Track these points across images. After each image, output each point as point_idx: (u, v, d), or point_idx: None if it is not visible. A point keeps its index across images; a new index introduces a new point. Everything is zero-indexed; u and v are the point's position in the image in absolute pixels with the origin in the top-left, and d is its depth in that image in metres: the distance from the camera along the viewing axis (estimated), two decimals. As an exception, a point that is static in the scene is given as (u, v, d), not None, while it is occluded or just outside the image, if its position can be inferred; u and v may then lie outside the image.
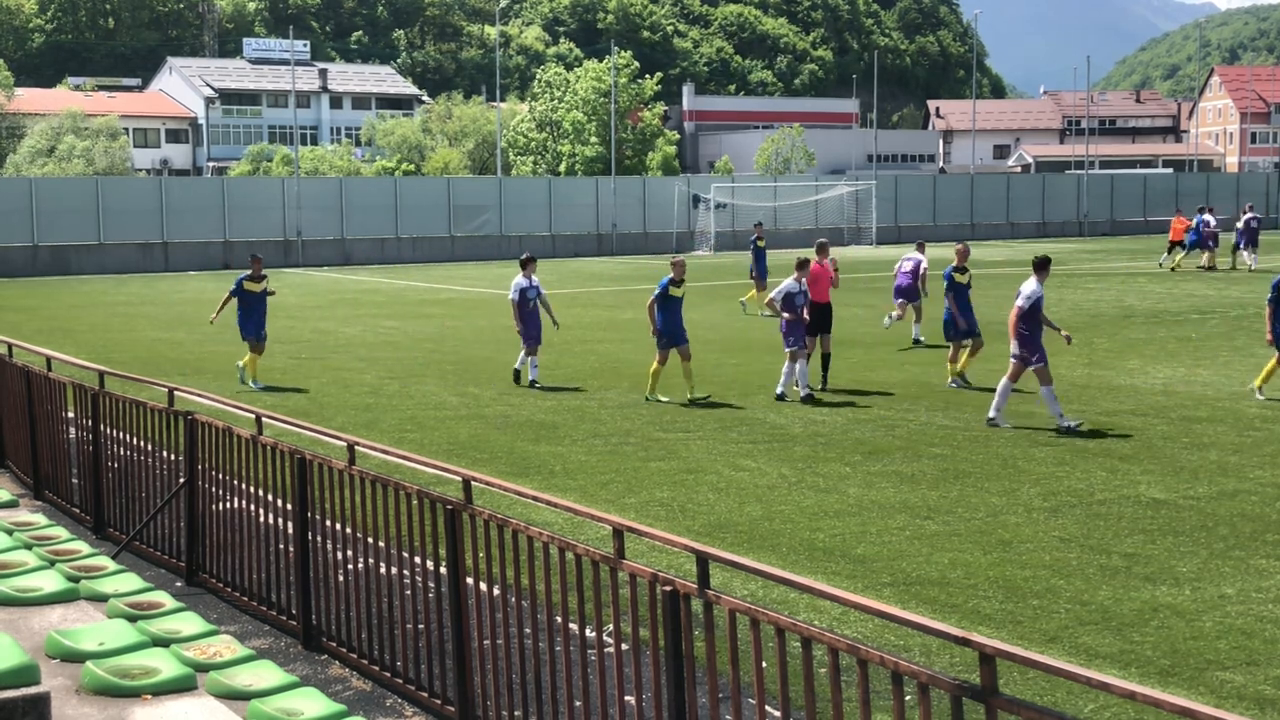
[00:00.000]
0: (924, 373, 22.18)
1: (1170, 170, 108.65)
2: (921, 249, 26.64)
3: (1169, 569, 10.66)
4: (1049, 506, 12.44)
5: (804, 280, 19.81)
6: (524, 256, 22.35)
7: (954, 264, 21.58)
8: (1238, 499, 12.96)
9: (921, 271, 25.60)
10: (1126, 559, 10.91)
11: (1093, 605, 9.81)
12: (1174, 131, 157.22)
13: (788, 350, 19.29)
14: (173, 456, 11.05)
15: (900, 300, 26.29)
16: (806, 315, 19.52)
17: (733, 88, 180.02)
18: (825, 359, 20.63)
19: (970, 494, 13.35)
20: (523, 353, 21.51)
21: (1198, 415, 17.62)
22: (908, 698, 5.03)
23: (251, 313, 21.93)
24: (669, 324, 19.45)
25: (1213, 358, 23.23)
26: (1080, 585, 10.28)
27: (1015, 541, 11.55)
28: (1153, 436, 16.21)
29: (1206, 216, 46.79)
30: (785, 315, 19.30)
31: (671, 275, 19.64)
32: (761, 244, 34.08)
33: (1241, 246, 46.42)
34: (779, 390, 19.50)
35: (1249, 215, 46.73)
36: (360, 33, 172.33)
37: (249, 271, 22.20)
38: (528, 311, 21.40)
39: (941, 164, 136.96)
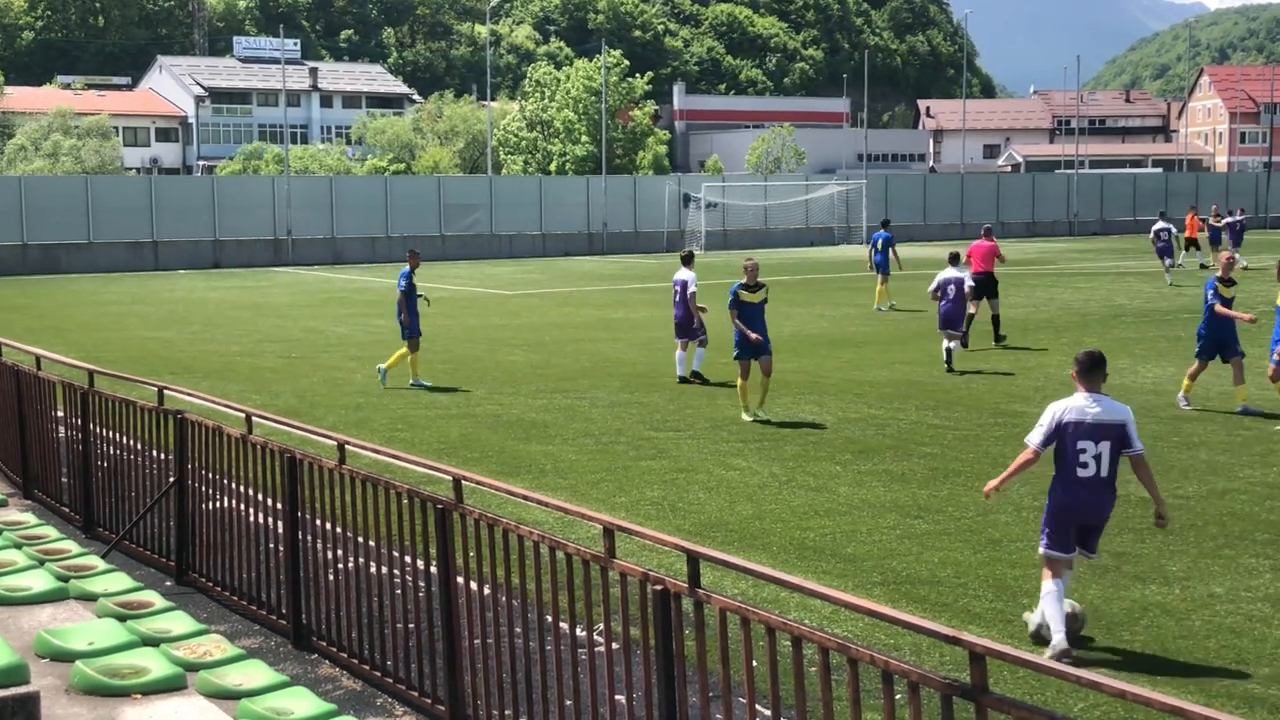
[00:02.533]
0: (914, 372, 22.20)
1: (1160, 170, 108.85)
2: (955, 261, 24.10)
3: (1158, 568, 10.68)
4: (1039, 505, 12.39)
5: (960, 268, 23.16)
6: (684, 252, 22.54)
7: (1217, 274, 19.18)
8: (1227, 498, 12.99)
9: (967, 289, 23.45)
10: (1116, 558, 10.93)
11: (1083, 604, 9.81)
12: (1164, 131, 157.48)
13: (941, 332, 22.72)
14: (162, 455, 11.03)
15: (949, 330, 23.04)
16: (968, 288, 22.79)
17: (723, 87, 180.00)
18: (995, 319, 25.78)
19: (960, 493, 13.37)
20: (679, 350, 21.55)
21: (1187, 415, 17.66)
22: (898, 696, 5.03)
23: (415, 310, 21.71)
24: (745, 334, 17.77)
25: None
26: (1070, 584, 10.29)
27: (1005, 540, 11.57)
28: (1143, 436, 16.18)
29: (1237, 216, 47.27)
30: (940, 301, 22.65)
31: (743, 279, 18.16)
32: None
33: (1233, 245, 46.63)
34: (949, 366, 22.21)
35: (1238, 217, 47.04)
36: (351, 31, 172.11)
37: (409, 268, 22.02)
38: (675, 303, 21.67)
39: (932, 163, 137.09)
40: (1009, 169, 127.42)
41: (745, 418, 17.69)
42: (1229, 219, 47.28)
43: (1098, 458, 9.04)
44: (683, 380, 21.21)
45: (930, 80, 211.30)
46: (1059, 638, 8.66)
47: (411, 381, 21.26)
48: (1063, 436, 9.12)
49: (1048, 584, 8.93)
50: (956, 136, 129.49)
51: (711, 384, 20.87)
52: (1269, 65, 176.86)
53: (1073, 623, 8.99)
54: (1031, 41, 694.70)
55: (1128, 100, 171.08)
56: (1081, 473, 9.05)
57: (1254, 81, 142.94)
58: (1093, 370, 9.27)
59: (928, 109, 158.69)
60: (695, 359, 21.51)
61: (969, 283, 23.48)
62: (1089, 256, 57.67)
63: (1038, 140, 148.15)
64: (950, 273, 23.34)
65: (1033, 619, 9.18)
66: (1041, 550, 9.22)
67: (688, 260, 21.96)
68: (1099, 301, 35.04)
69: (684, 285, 21.40)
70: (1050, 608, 8.81)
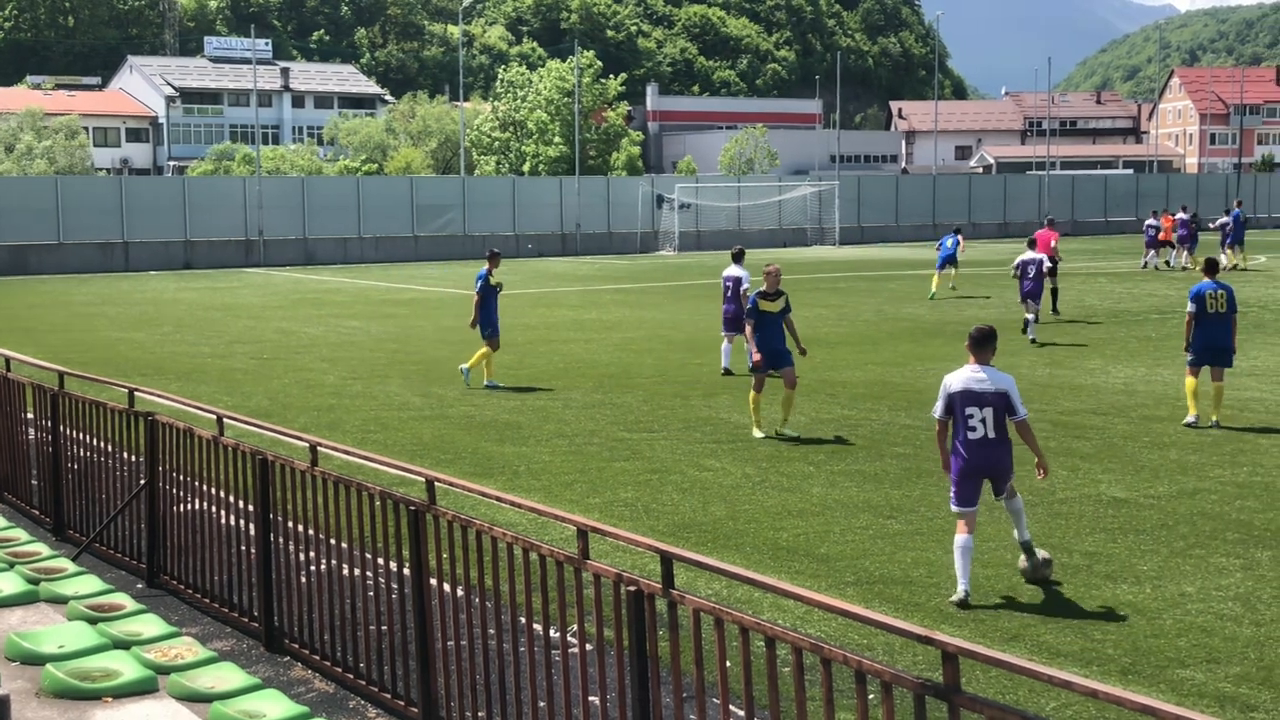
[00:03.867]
0: (886, 373, 22.26)
1: (1130, 171, 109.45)
2: (1033, 246, 27.96)
3: (1130, 567, 10.73)
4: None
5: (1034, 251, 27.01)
6: (736, 250, 23.18)
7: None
8: (1198, 498, 13.06)
9: (1045, 268, 27.03)
10: (1088, 557, 10.98)
11: (1054, 603, 9.86)
12: (1134, 132, 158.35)
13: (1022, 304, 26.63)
14: (133, 458, 10.97)
15: (1029, 303, 26.40)
16: (1045, 268, 26.61)
17: (696, 88, 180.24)
18: (1053, 293, 29.94)
19: (933, 493, 13.40)
20: (726, 343, 22.25)
21: (1158, 414, 17.74)
22: (871, 696, 5.04)
23: (494, 310, 21.52)
24: (765, 344, 16.61)
25: (1173, 357, 23.37)
26: (1041, 584, 10.33)
27: (977, 540, 11.59)
28: (1114, 435, 16.31)
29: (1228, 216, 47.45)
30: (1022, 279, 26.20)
31: (763, 286, 16.92)
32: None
33: (1228, 244, 46.85)
34: (1031, 335, 25.56)
35: (1235, 214, 47.27)
36: (322, 31, 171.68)
37: (488, 268, 21.67)
38: (726, 299, 22.14)
39: (904, 164, 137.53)
40: (981, 170, 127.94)
41: (756, 434, 16.45)
42: (1229, 215, 47.53)
43: (984, 421, 10.12)
44: (727, 372, 21.93)
45: (902, 81, 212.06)
46: (961, 588, 9.87)
47: (486, 382, 21.09)
48: (953, 404, 10.24)
49: (958, 537, 10.05)
50: (928, 138, 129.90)
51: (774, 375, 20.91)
52: (1238, 67, 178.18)
53: (1045, 568, 10.28)
54: (1003, 43, 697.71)
55: (1099, 102, 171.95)
56: (971, 435, 10.15)
57: (1224, 83, 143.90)
58: (982, 344, 10.38)
59: (900, 110, 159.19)
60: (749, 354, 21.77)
61: (1047, 263, 27.07)
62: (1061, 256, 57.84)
63: (1009, 141, 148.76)
64: (1029, 255, 26.79)
65: (1023, 563, 10.38)
66: (952, 507, 10.33)
67: (738, 257, 22.69)
68: (1070, 302, 35.19)
69: (736, 281, 21.94)
70: (959, 560, 9.95)
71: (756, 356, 16.54)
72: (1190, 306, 17.17)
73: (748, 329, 16.73)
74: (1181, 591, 10.08)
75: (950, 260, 37.76)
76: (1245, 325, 28.12)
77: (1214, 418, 16.82)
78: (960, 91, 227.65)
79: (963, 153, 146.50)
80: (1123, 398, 19.25)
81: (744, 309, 21.08)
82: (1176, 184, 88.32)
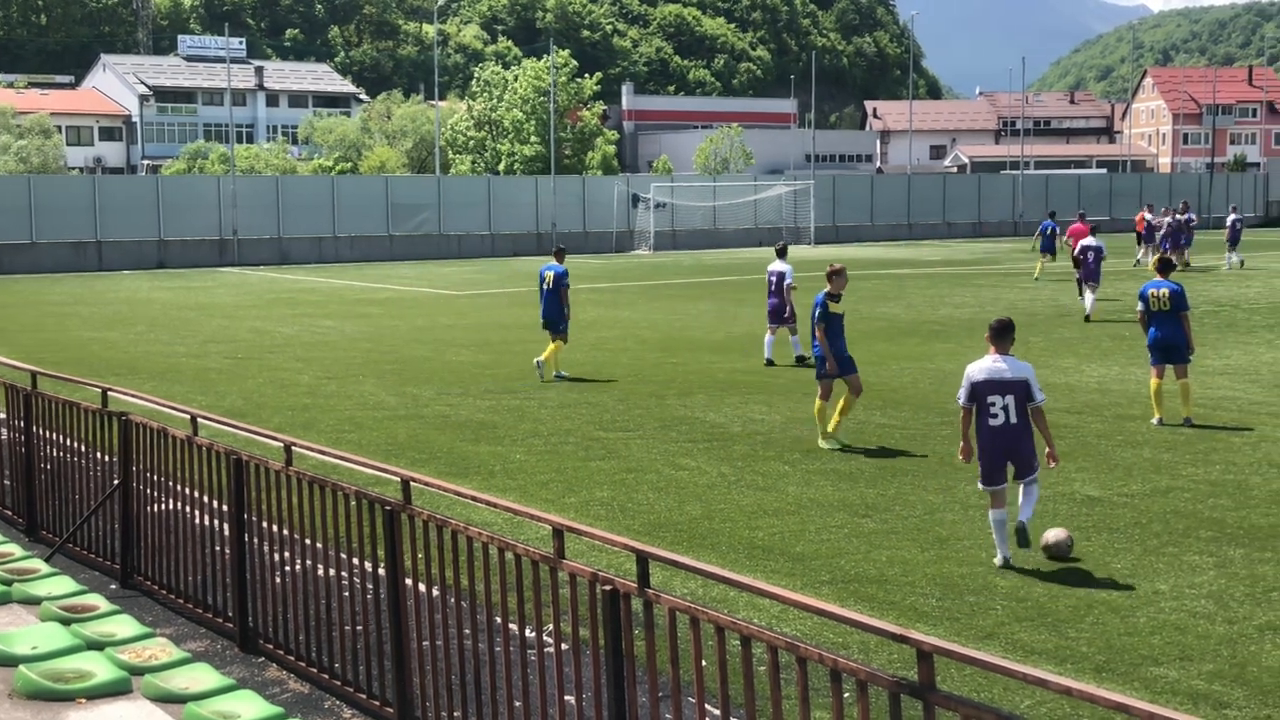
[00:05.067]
0: (861, 371, 22.24)
1: (1104, 171, 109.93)
2: (1094, 232, 33.26)
3: (1104, 565, 10.78)
4: (984, 504, 12.50)
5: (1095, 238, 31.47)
6: (780, 245, 24.86)
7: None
8: (1170, 496, 13.13)
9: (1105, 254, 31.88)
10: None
11: (1029, 602, 9.90)
12: (1108, 132, 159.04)
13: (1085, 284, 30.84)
14: (107, 458, 10.92)
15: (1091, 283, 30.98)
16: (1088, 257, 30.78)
17: (672, 87, 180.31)
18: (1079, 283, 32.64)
19: (908, 491, 13.44)
20: (769, 335, 23.32)
21: (1131, 413, 17.83)
22: (846, 695, 5.06)
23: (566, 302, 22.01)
24: (836, 349, 16.02)
25: (1145, 356, 23.48)
26: (1016, 582, 10.38)
27: (952, 539, 11.64)
28: (1087, 434, 16.38)
29: (1190, 215, 47.62)
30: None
31: (829, 289, 16.09)
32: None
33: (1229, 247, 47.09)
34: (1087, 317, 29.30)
35: (1234, 217, 47.42)
36: (296, 30, 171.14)
37: (562, 264, 22.44)
38: (769, 292, 23.46)
39: (879, 164, 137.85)
40: (955, 169, 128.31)
41: (823, 445, 15.71)
42: (1231, 218, 47.73)
43: (1005, 408, 10.81)
44: (769, 363, 22.95)
45: (877, 81, 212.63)
46: (1001, 554, 10.76)
47: (555, 374, 21.67)
48: (976, 392, 10.93)
49: (991, 512, 10.93)
50: (903, 137, 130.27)
51: (809, 364, 20.95)
52: (1211, 67, 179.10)
53: (1068, 549, 10.92)
54: (977, 43, 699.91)
55: (1072, 101, 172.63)
56: (993, 421, 10.85)
57: (1196, 83, 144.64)
58: (1001, 335, 11.05)
59: (874, 110, 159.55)
60: (793, 345, 23.33)
61: (1105, 251, 31.70)
62: (1034, 257, 58.06)
63: (983, 141, 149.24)
64: (1090, 240, 31.58)
65: (994, 548, 10.94)
66: (979, 486, 11.15)
67: (782, 253, 24.25)
68: (1044, 301, 35.35)
69: (781, 276, 23.34)
70: (995, 533, 10.86)
71: (832, 364, 15.88)
72: (1139, 305, 17.42)
73: (820, 334, 15.87)
74: (1155, 589, 10.13)
75: (1049, 248, 41.28)
76: (1217, 324, 28.33)
77: (1185, 415, 16.91)
78: (935, 91, 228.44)
79: (937, 152, 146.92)
80: (1096, 396, 19.34)
81: (787, 303, 22.81)
82: (1150, 183, 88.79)
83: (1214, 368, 21.77)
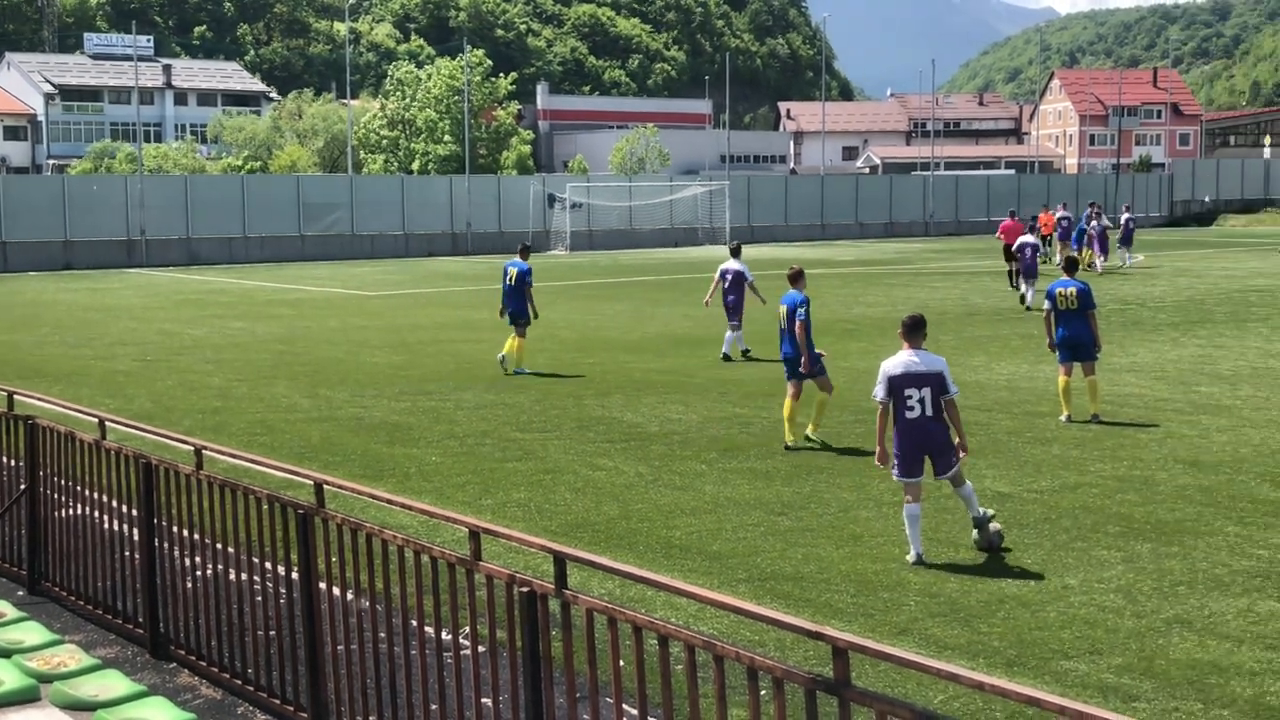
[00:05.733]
0: (778, 370, 22.38)
1: (1013, 172, 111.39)
2: (1031, 230, 37.91)
3: (1015, 561, 10.92)
4: (898, 501, 12.61)
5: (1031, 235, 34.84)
6: (734, 245, 25.96)
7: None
8: (1079, 492, 13.33)
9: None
10: (973, 552, 11.15)
11: (941, 597, 10.01)
12: (1016, 133, 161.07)
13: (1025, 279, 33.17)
14: (13, 462, 10.72)
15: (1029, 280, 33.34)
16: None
17: (587, 88, 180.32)
18: (1013, 275, 36.28)
19: (823, 489, 13.53)
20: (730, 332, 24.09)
21: (1040, 410, 18.07)
22: (763, 692, 5.08)
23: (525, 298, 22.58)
24: (811, 349, 16.19)
25: (1054, 355, 23.82)
26: (929, 578, 10.49)
27: (866, 536, 11.74)
28: (997, 431, 16.59)
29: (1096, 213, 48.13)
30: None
31: (803, 290, 16.40)
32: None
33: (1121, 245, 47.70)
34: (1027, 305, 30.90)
35: (1126, 216, 48.14)
36: (205, 28, 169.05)
37: (527, 261, 23.04)
38: (725, 290, 24.35)
39: (793, 165, 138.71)
40: (867, 170, 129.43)
41: (789, 441, 15.71)
42: (1124, 216, 48.42)
43: (922, 400, 11.05)
44: (725, 359, 23.75)
45: (790, 82, 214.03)
46: (914, 551, 10.87)
47: (515, 369, 22.19)
48: (893, 386, 11.13)
49: (907, 507, 11.05)
50: (816, 138, 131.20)
51: (760, 359, 23.29)
52: (1117, 69, 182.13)
53: (997, 539, 11.11)
54: (888, 45, 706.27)
55: (981, 103, 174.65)
56: (910, 414, 11.08)
57: (1102, 85, 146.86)
58: (914, 330, 11.30)
59: (788, 111, 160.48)
60: (738, 340, 24.11)
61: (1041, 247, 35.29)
62: (945, 256, 58.81)
63: (895, 142, 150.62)
64: (1028, 238, 34.55)
65: (913, 545, 10.94)
66: (895, 477, 11.30)
67: (736, 252, 25.31)
68: (955, 300, 35.76)
69: (739, 274, 24.28)
70: (909, 528, 10.94)
71: (808, 363, 16.03)
72: (1045, 304, 17.69)
73: (802, 334, 16.02)
74: (1064, 584, 10.27)
75: (1084, 237, 43.37)
76: (1124, 322, 28.81)
77: (1093, 411, 17.18)
78: (847, 93, 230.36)
79: (850, 153, 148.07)
80: (1006, 394, 19.59)
81: (745, 300, 23.86)
82: (1057, 184, 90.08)
83: (1121, 365, 22.14)
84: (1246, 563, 10.74)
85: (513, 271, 22.61)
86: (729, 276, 24.40)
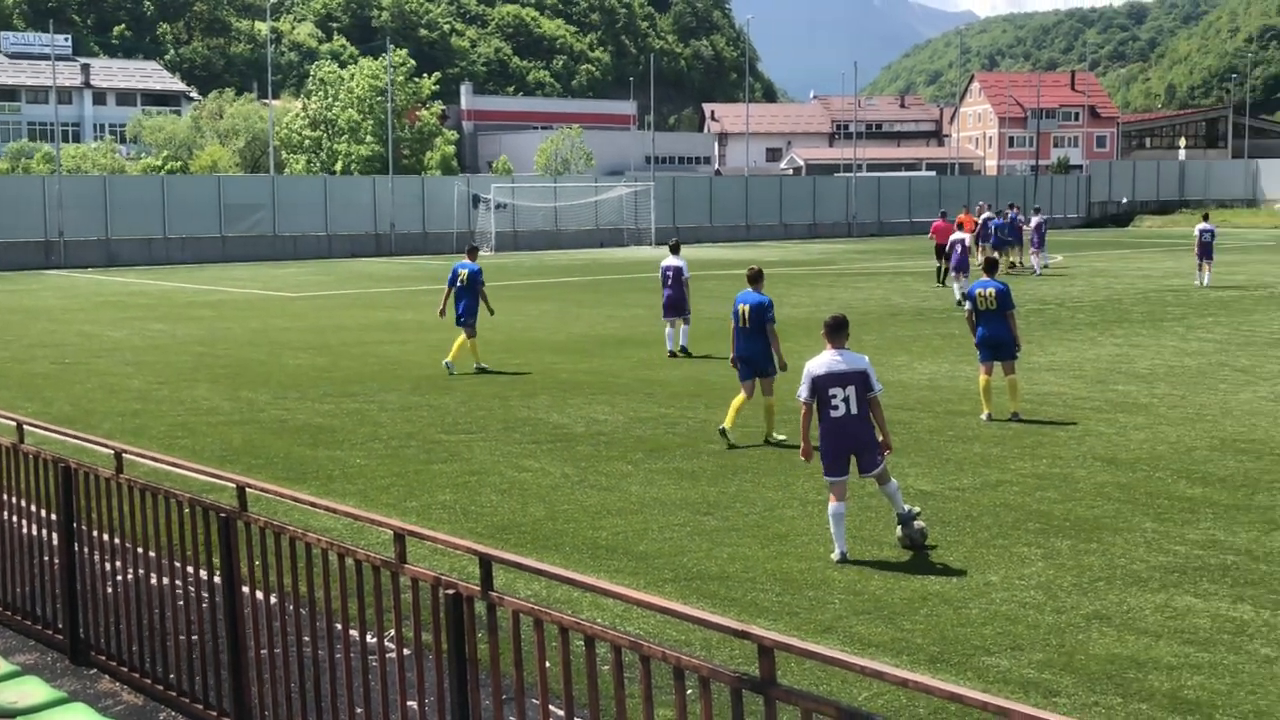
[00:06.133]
0: (703, 370, 22.50)
1: (934, 173, 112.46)
2: (961, 228, 39.39)
3: (937, 558, 11.03)
4: (822, 500, 12.71)
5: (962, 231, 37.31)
6: (673, 242, 26.28)
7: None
8: (1000, 489, 13.49)
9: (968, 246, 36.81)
10: (897, 550, 11.25)
11: (865, 595, 10.09)
12: (937, 135, 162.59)
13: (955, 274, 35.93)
14: (-75, 468, 10.51)
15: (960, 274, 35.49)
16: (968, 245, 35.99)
17: (511, 88, 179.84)
18: (940, 272, 39.67)
19: (748, 489, 13.59)
20: (669, 328, 24.61)
21: (961, 409, 18.26)
22: (689, 692, 5.10)
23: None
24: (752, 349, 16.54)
25: (975, 354, 24.05)
26: (853, 576, 10.57)
27: (791, 535, 11.81)
28: (919, 430, 16.74)
29: (1017, 215, 48.45)
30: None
31: (762, 290, 16.78)
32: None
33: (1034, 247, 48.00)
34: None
35: (1040, 218, 48.44)
36: (124, 27, 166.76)
37: (466, 260, 23.47)
38: (666, 286, 24.73)
39: (717, 166, 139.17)
40: (791, 172, 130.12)
41: (730, 438, 15.80)
42: (1035, 219, 48.71)
43: (846, 399, 11.16)
44: (672, 355, 24.30)
45: (714, 84, 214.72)
46: (838, 549, 10.97)
47: (476, 366, 22.65)
48: (817, 386, 11.22)
49: (831, 505, 11.13)
50: (740, 140, 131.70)
51: (695, 356, 24.12)
52: (1035, 72, 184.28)
53: (921, 536, 11.24)
54: (811, 47, 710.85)
55: (903, 105, 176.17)
56: (834, 413, 11.18)
57: (1021, 88, 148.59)
58: (836, 330, 11.42)
59: (712, 112, 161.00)
60: (682, 335, 24.62)
61: (968, 242, 36.94)
62: (867, 257, 59.27)
63: (818, 144, 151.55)
64: (958, 235, 36.96)
65: (837, 546, 11.03)
66: (824, 477, 11.37)
67: (676, 249, 25.70)
68: (877, 301, 36.04)
69: (678, 270, 24.60)
70: (834, 526, 11.05)
71: (784, 363, 16.25)
72: (966, 305, 17.89)
73: (775, 334, 16.39)
74: (986, 581, 10.39)
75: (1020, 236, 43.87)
76: (1043, 322, 29.18)
77: (1013, 410, 17.39)
78: (770, 95, 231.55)
79: (773, 155, 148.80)
80: (928, 393, 19.78)
81: (686, 297, 24.43)
82: (977, 186, 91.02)
83: (1040, 364, 22.42)
84: (1163, 558, 10.92)
85: (463, 273, 22.92)
86: (669, 273, 24.77)
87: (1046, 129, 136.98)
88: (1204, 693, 8.10)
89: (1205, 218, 41.58)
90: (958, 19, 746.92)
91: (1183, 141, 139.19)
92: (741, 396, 16.32)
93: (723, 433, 15.85)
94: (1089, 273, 45.61)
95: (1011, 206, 50.42)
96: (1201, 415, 17.56)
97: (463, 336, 22.70)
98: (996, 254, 41.59)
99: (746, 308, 16.41)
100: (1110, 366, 22.42)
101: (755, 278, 16.83)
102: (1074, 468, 14.45)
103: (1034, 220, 47.29)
